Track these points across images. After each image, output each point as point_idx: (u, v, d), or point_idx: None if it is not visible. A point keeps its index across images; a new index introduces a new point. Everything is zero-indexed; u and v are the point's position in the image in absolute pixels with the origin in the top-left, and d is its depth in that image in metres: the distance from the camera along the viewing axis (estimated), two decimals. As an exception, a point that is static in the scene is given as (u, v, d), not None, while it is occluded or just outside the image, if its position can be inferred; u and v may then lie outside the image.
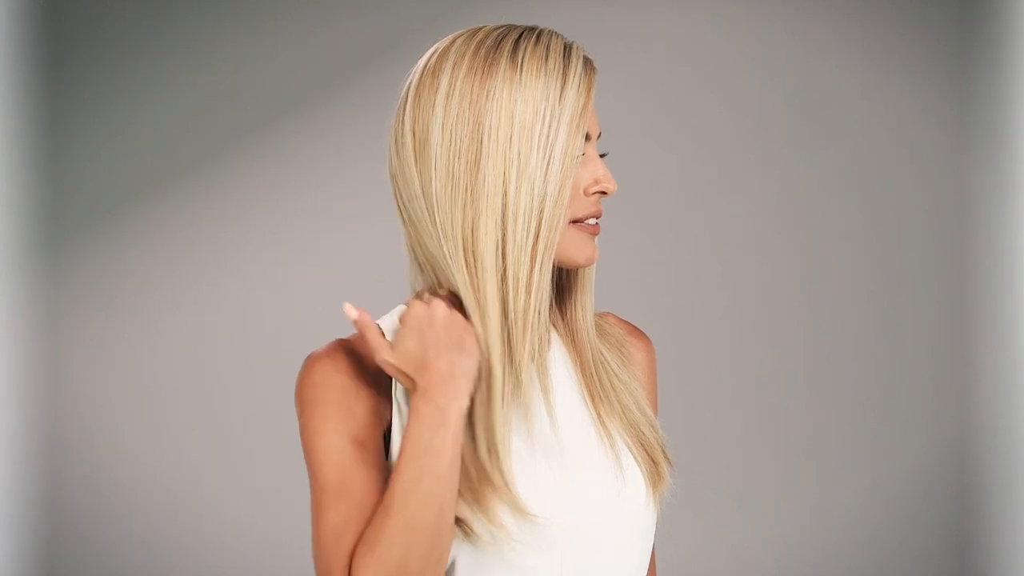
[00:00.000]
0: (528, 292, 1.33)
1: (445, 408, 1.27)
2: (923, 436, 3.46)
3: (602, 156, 1.40)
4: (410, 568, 1.24)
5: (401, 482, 1.26)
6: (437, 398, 1.27)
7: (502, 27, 1.37)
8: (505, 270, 1.32)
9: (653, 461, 1.43)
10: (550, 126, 1.32)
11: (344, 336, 1.39)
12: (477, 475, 1.32)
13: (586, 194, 1.37)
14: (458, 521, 1.32)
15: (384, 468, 1.33)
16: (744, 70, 3.49)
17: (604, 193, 1.38)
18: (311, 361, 1.35)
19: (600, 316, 1.52)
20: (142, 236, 3.50)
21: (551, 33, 1.36)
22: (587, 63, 1.36)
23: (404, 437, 1.28)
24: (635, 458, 1.42)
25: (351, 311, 1.32)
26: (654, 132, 3.48)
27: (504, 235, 1.32)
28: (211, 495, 3.48)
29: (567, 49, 1.35)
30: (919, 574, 3.46)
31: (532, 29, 1.37)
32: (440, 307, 1.30)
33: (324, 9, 3.51)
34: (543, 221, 1.32)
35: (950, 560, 3.44)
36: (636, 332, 1.56)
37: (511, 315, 1.34)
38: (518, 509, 1.32)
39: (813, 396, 3.49)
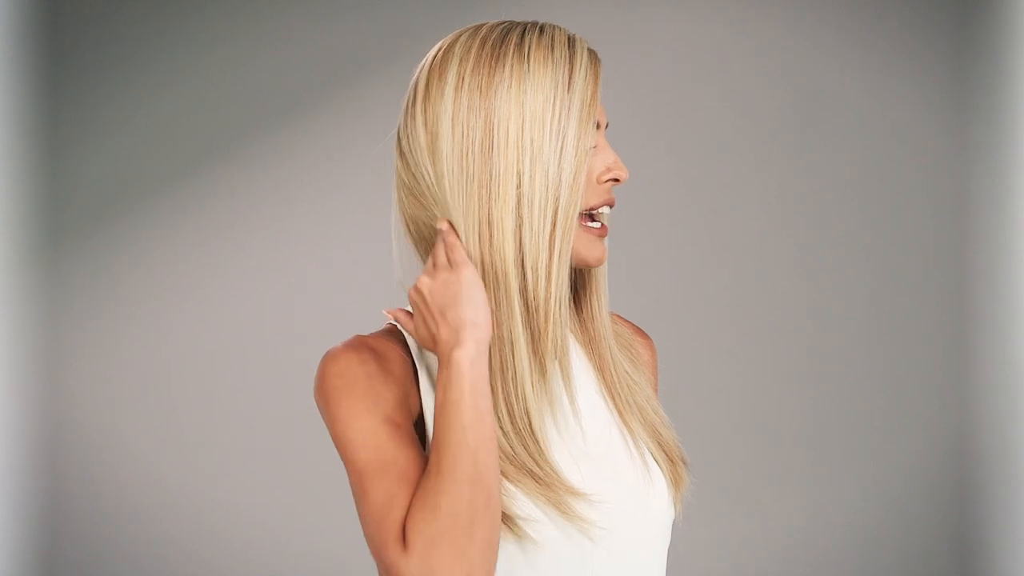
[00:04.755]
0: (548, 280, 1.34)
1: (449, 361, 1.28)
2: (923, 436, 3.47)
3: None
4: (460, 519, 1.24)
5: (434, 443, 1.27)
6: (443, 358, 1.30)
7: (505, 22, 1.38)
8: (524, 259, 1.33)
9: (671, 461, 1.43)
10: (561, 114, 1.33)
11: (363, 333, 1.40)
12: (542, 472, 1.33)
13: (599, 182, 1.38)
14: (511, 521, 1.32)
15: (420, 446, 1.33)
16: (744, 70, 3.49)
17: (617, 181, 1.39)
18: (331, 355, 1.35)
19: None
20: (142, 236, 3.50)
21: (554, 26, 1.37)
22: (592, 54, 1.37)
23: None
24: (655, 458, 1.42)
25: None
26: (653, 131, 3.48)
27: (520, 224, 1.32)
28: (211, 495, 3.48)
29: (571, 40, 1.36)
30: (919, 574, 3.46)
31: (535, 23, 1.38)
32: (424, 281, 1.32)
33: (324, 10, 3.52)
34: (559, 209, 1.33)
35: (950, 560, 3.45)
36: (640, 332, 1.56)
37: (532, 305, 1.34)
38: (578, 497, 1.33)
39: (813, 396, 3.49)
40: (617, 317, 1.55)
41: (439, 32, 1.44)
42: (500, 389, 1.34)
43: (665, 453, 1.43)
